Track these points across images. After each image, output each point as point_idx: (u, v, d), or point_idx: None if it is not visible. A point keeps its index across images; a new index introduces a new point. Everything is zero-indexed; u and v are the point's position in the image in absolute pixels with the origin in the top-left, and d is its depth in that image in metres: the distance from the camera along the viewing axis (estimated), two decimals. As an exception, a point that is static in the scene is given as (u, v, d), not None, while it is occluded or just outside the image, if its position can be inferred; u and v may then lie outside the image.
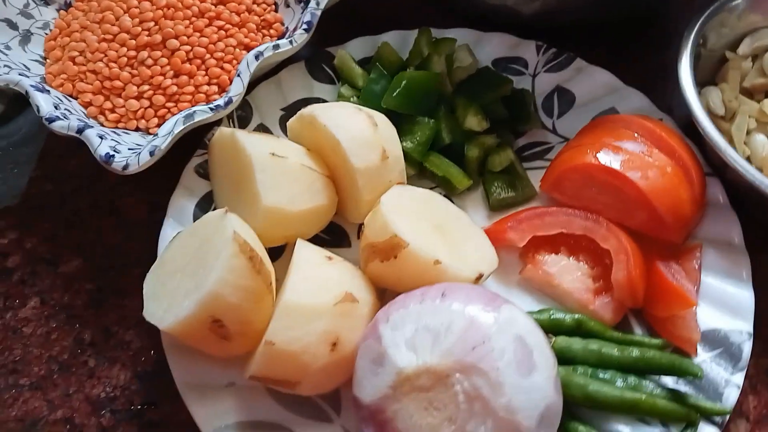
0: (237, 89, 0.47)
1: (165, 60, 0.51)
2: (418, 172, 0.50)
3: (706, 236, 0.46)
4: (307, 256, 0.39)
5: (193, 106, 0.51)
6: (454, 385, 0.31)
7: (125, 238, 0.50)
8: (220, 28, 0.54)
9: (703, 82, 0.51)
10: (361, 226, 0.44)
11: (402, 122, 0.49)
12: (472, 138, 0.50)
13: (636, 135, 0.47)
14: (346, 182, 0.44)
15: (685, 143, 0.47)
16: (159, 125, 0.50)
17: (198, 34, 0.53)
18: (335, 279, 0.39)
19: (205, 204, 0.47)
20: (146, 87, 0.50)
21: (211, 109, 0.46)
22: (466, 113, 0.49)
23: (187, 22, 0.53)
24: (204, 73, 0.52)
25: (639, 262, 0.43)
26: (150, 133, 0.50)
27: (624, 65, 0.54)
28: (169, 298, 0.38)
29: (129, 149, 0.46)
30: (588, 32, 0.56)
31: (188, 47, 0.52)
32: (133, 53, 0.51)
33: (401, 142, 0.48)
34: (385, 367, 0.33)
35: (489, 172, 0.50)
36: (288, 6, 0.58)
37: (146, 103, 0.50)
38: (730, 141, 0.48)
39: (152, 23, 0.52)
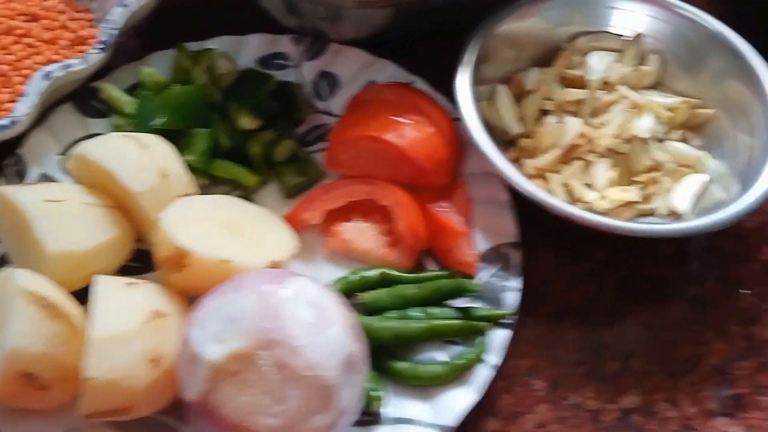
0: (23, 110, 0.47)
1: None
2: (212, 181, 0.52)
3: (472, 172, 0.53)
4: (104, 288, 0.40)
5: None
6: (260, 361, 0.35)
7: None
8: (28, 45, 0.54)
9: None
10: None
11: (179, 138, 0.51)
12: (251, 137, 0.53)
13: (388, 102, 0.52)
14: (134, 208, 0.45)
15: (431, 100, 0.53)
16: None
17: (4, 51, 0.53)
18: (138, 301, 0.40)
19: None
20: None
21: None
22: (237, 115, 0.52)
23: None
24: (9, 90, 0.52)
25: (414, 209, 0.49)
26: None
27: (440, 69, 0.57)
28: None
29: None
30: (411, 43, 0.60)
31: None
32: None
33: (183, 156, 0.50)
34: (199, 365, 0.36)
35: (277, 164, 0.53)
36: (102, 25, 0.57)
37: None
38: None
39: None
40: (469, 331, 0.44)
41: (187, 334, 0.37)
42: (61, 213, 0.42)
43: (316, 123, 0.57)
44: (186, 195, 0.46)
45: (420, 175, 0.50)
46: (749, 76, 0.53)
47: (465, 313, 0.46)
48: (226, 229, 0.44)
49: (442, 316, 0.45)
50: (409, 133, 0.50)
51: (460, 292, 0.46)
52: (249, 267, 0.42)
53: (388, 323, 0.44)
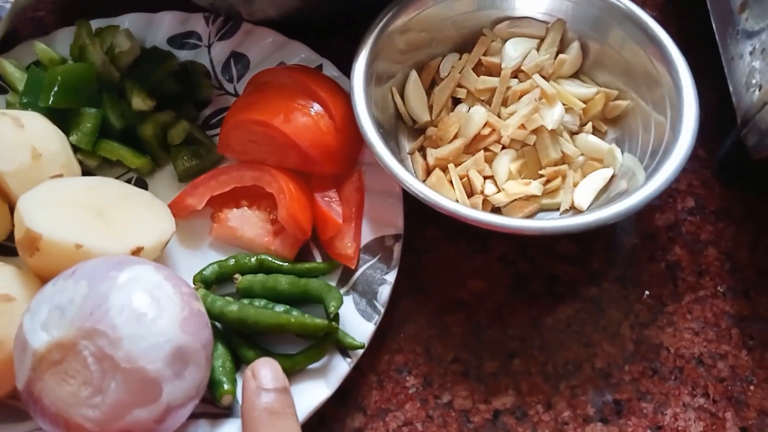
0: None
1: None
2: (105, 162, 0.52)
3: (369, 161, 0.51)
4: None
5: None
6: (82, 352, 0.34)
7: None
8: None
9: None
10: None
11: (68, 118, 0.50)
12: (145, 118, 0.52)
13: (283, 85, 0.51)
14: (5, 188, 0.45)
15: (330, 85, 0.51)
16: None
17: None
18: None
19: None
20: None
21: None
22: (132, 95, 0.51)
23: None
24: None
25: (298, 198, 0.47)
26: None
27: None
28: None
29: None
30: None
31: None
32: None
33: (69, 136, 0.49)
34: (27, 353, 0.35)
35: (172, 146, 0.52)
36: None
37: None
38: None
39: None
40: (321, 329, 0.43)
41: (22, 320, 0.37)
42: None
43: (223, 105, 0.56)
44: (59, 176, 0.46)
45: (307, 163, 0.49)
46: (669, 67, 0.50)
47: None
48: (92, 213, 0.44)
49: (299, 313, 0.44)
50: (298, 119, 0.48)
51: (321, 301, 0.44)
52: (106, 251, 0.41)
53: (239, 308, 0.43)
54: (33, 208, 0.41)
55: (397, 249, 0.47)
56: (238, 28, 0.58)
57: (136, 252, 0.43)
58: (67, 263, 0.40)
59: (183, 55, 0.57)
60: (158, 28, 0.58)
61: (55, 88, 0.49)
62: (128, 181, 0.52)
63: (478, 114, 0.52)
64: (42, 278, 0.43)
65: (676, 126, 0.47)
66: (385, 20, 0.52)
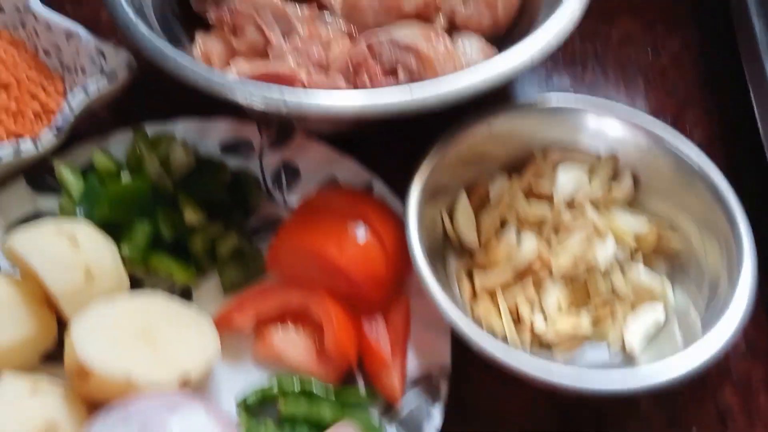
0: None
1: None
2: (149, 270, 0.52)
3: (417, 286, 0.51)
4: (5, 394, 0.40)
5: None
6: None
7: None
8: None
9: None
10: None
11: (120, 229, 0.50)
12: (195, 230, 0.52)
13: (336, 210, 0.51)
14: (58, 307, 0.45)
15: (382, 210, 0.52)
16: None
17: None
18: (36, 410, 0.40)
19: None
20: None
21: None
22: (184, 208, 0.52)
23: None
24: None
25: (345, 327, 0.47)
26: None
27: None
28: None
29: None
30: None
31: None
32: None
33: (121, 248, 0.49)
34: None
35: (219, 258, 0.52)
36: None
37: None
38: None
39: None
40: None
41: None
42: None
43: (271, 214, 0.56)
44: (109, 296, 0.46)
45: (356, 292, 0.48)
46: (725, 211, 0.50)
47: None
48: (140, 337, 0.43)
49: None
50: (350, 249, 0.48)
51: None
52: (155, 383, 0.41)
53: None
54: (84, 338, 0.41)
55: (444, 386, 0.46)
56: (290, 140, 0.58)
57: (185, 380, 0.42)
58: (117, 394, 0.40)
59: (234, 161, 0.58)
60: (212, 134, 0.59)
61: (112, 204, 0.49)
62: (173, 288, 0.52)
63: (529, 245, 0.52)
64: (88, 403, 0.42)
65: (734, 278, 0.46)
66: (440, 148, 0.53)
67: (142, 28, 0.51)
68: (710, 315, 0.47)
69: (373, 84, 0.54)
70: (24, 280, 0.46)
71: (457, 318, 0.45)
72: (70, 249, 0.45)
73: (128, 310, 0.45)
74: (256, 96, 0.47)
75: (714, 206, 0.50)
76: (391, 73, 0.55)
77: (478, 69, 0.50)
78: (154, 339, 0.44)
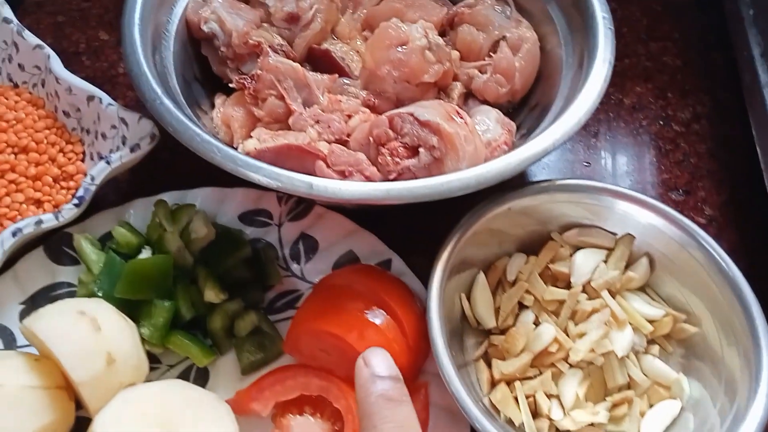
0: None
1: None
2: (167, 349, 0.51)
3: (434, 370, 0.51)
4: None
5: None
6: None
7: None
8: (11, 181, 0.54)
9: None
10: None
11: (139, 307, 0.50)
12: (214, 309, 0.52)
13: (355, 293, 0.51)
14: (77, 392, 0.44)
15: (401, 293, 0.52)
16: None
17: None
18: None
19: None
20: None
21: None
22: (205, 286, 0.51)
23: None
24: None
25: (366, 418, 0.47)
26: None
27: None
28: None
29: None
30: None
31: None
32: None
33: (140, 328, 0.49)
34: None
35: (237, 336, 0.52)
36: (93, 159, 0.58)
37: None
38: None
39: None
40: None
41: None
42: (-4, 401, 0.41)
43: (288, 288, 0.56)
44: (131, 382, 0.45)
45: (376, 380, 0.48)
46: (742, 306, 0.50)
47: None
48: (163, 426, 0.43)
49: None
50: (372, 336, 0.48)
51: None
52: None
53: None
54: (108, 433, 0.40)
55: (464, 483, 0.46)
56: (309, 211, 0.58)
57: (205, 479, 0.42)
58: None
59: (252, 231, 0.58)
60: (231, 204, 0.58)
61: (132, 281, 0.49)
62: (190, 367, 0.52)
63: (547, 332, 0.52)
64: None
65: (753, 382, 0.47)
66: (461, 229, 0.53)
67: (167, 102, 0.51)
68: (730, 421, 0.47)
69: (395, 163, 0.54)
70: (42, 359, 0.46)
71: (481, 419, 0.45)
72: (92, 334, 0.44)
73: (148, 401, 0.44)
74: (284, 183, 0.47)
75: (733, 302, 0.50)
76: (412, 151, 0.55)
77: (504, 159, 0.50)
78: (174, 428, 0.43)
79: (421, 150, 0.54)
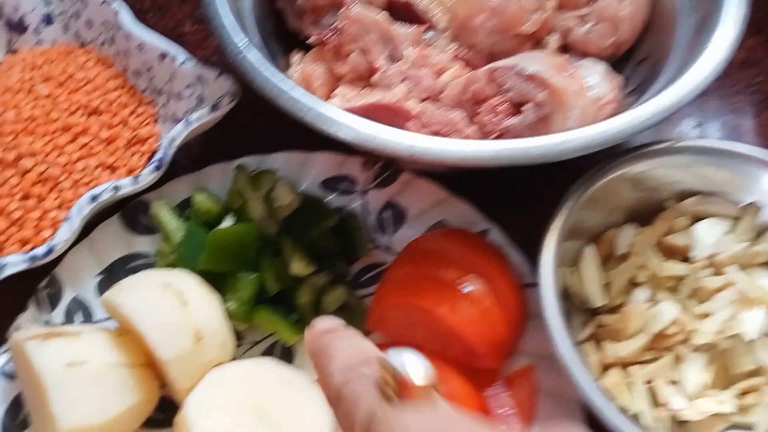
0: (62, 237, 0.45)
1: (15, 180, 0.49)
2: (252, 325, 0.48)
3: (540, 353, 0.46)
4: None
5: (38, 232, 0.48)
6: None
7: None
8: (84, 145, 0.52)
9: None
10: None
11: (223, 280, 0.46)
12: (301, 281, 0.48)
13: (448, 260, 0.46)
14: (162, 370, 0.41)
15: (500, 262, 0.47)
16: (-3, 254, 0.47)
17: (57, 152, 0.50)
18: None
19: (15, 411, 0.44)
20: (-11, 209, 0.47)
21: (28, 260, 0.44)
22: (291, 258, 0.48)
23: (48, 138, 0.50)
24: (56, 196, 0.49)
25: (472, 405, 0.43)
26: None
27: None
28: None
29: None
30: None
31: (44, 167, 0.49)
32: (-18, 171, 0.48)
33: (224, 302, 0.46)
34: None
35: (324, 312, 0.49)
36: (165, 122, 0.55)
37: (-14, 228, 0.47)
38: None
39: (10, 137, 0.49)
40: None
41: None
42: (80, 379, 0.39)
43: (374, 261, 0.52)
44: (219, 361, 0.42)
45: (471, 357, 0.44)
46: None
47: None
48: (253, 416, 0.40)
49: None
50: (466, 309, 0.44)
51: None
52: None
53: None
54: (201, 419, 0.37)
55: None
56: (396, 178, 0.54)
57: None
58: None
59: (333, 199, 0.53)
60: (312, 169, 0.54)
61: (216, 252, 0.46)
62: (275, 344, 0.48)
63: (668, 311, 0.47)
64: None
65: None
66: (573, 196, 0.47)
67: (252, 56, 0.47)
68: None
69: (497, 122, 0.49)
70: (124, 335, 0.43)
71: (603, 405, 0.40)
72: (179, 308, 0.41)
73: (240, 381, 0.41)
74: (385, 144, 0.42)
75: None
76: (515, 108, 0.50)
77: (630, 115, 0.45)
78: (269, 413, 0.40)
79: (525, 107, 0.49)
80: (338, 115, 0.44)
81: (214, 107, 0.50)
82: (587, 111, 0.50)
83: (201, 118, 0.49)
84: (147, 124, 0.56)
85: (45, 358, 0.39)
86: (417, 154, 0.42)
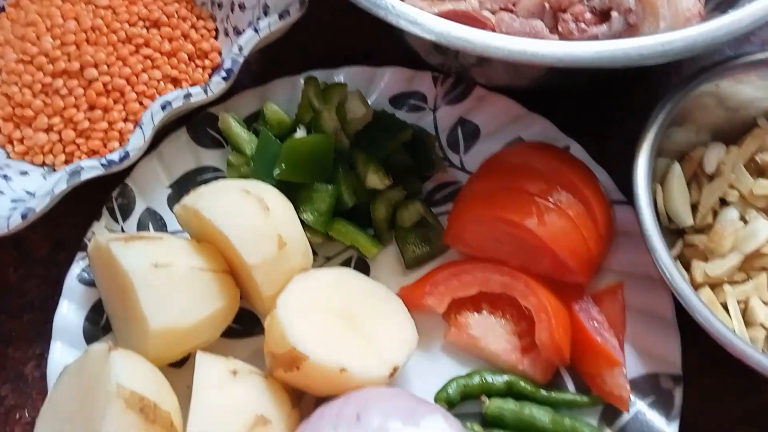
0: (136, 143, 0.44)
1: (81, 91, 0.48)
2: (327, 238, 0.46)
3: (629, 271, 0.45)
4: (207, 378, 0.36)
5: (105, 143, 0.48)
6: None
7: (22, 277, 0.48)
8: (146, 57, 0.50)
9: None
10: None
11: (299, 191, 0.45)
12: (376, 195, 0.46)
13: (534, 172, 0.44)
14: (245, 277, 0.40)
15: (587, 175, 0.45)
16: (67, 162, 0.47)
17: (120, 63, 0.49)
18: (242, 401, 0.36)
19: (96, 316, 0.43)
20: (57, 119, 0.47)
21: (104, 165, 0.42)
22: (366, 170, 0.46)
23: (111, 48, 0.49)
24: (121, 108, 0.48)
25: (561, 318, 0.41)
26: (57, 171, 0.46)
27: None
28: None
29: (12, 201, 0.42)
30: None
31: (108, 78, 0.48)
32: (48, 80, 0.48)
33: (301, 213, 0.44)
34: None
35: (400, 227, 0.47)
36: (227, 35, 0.53)
37: (55, 137, 0.47)
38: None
39: (73, 47, 0.48)
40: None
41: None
42: (167, 280, 0.38)
43: (446, 179, 0.50)
44: (303, 268, 0.41)
45: (560, 271, 0.42)
46: None
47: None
48: (343, 321, 0.39)
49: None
50: (555, 221, 0.42)
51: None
52: (367, 377, 0.37)
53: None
54: (294, 321, 0.36)
55: (679, 395, 0.40)
56: (469, 93, 0.51)
57: (393, 373, 0.38)
58: (326, 385, 0.36)
59: (404, 116, 0.51)
60: (380, 85, 0.52)
61: (291, 161, 0.44)
62: (348, 261, 0.47)
63: (764, 229, 0.44)
64: (289, 389, 0.38)
65: None
66: (664, 111, 0.45)
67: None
68: None
69: (581, 30, 0.46)
70: (203, 243, 0.41)
71: (707, 315, 0.38)
72: (261, 214, 0.40)
73: (326, 288, 0.40)
74: (476, 45, 0.40)
75: None
76: (601, 16, 0.47)
77: (731, 17, 0.42)
78: (359, 325, 0.39)
79: (613, 14, 0.46)
80: (422, 16, 0.42)
81: (283, 15, 0.47)
82: (676, 21, 0.48)
83: (270, 25, 0.47)
84: (208, 38, 0.53)
85: (131, 258, 0.38)
86: (512, 55, 0.40)
